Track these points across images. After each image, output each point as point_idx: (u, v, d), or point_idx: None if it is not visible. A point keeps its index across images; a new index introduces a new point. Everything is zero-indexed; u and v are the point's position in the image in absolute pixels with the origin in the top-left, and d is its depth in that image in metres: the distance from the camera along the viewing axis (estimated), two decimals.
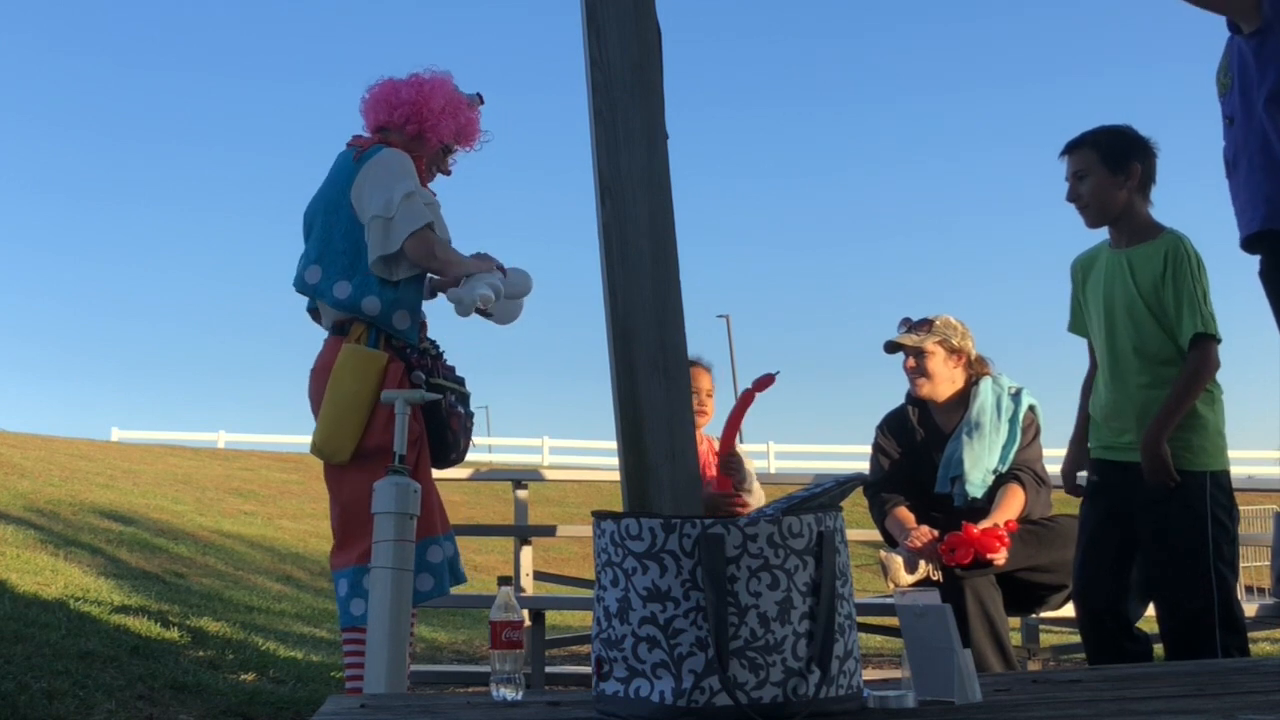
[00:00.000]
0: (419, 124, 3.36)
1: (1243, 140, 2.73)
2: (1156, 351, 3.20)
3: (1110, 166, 3.26)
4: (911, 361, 4.00)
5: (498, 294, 3.19)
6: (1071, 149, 3.33)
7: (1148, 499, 3.16)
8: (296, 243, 3.41)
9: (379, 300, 3.19)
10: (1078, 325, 3.51)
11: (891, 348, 4.05)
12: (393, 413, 3.09)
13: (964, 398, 3.98)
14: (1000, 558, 3.63)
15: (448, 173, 3.50)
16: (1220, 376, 3.21)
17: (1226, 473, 3.19)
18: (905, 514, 3.93)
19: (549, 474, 9.76)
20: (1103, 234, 3.41)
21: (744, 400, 4.02)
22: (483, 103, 3.52)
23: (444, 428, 3.19)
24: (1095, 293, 3.37)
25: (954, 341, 3.98)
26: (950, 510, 3.88)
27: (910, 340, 3.99)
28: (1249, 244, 2.74)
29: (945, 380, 3.98)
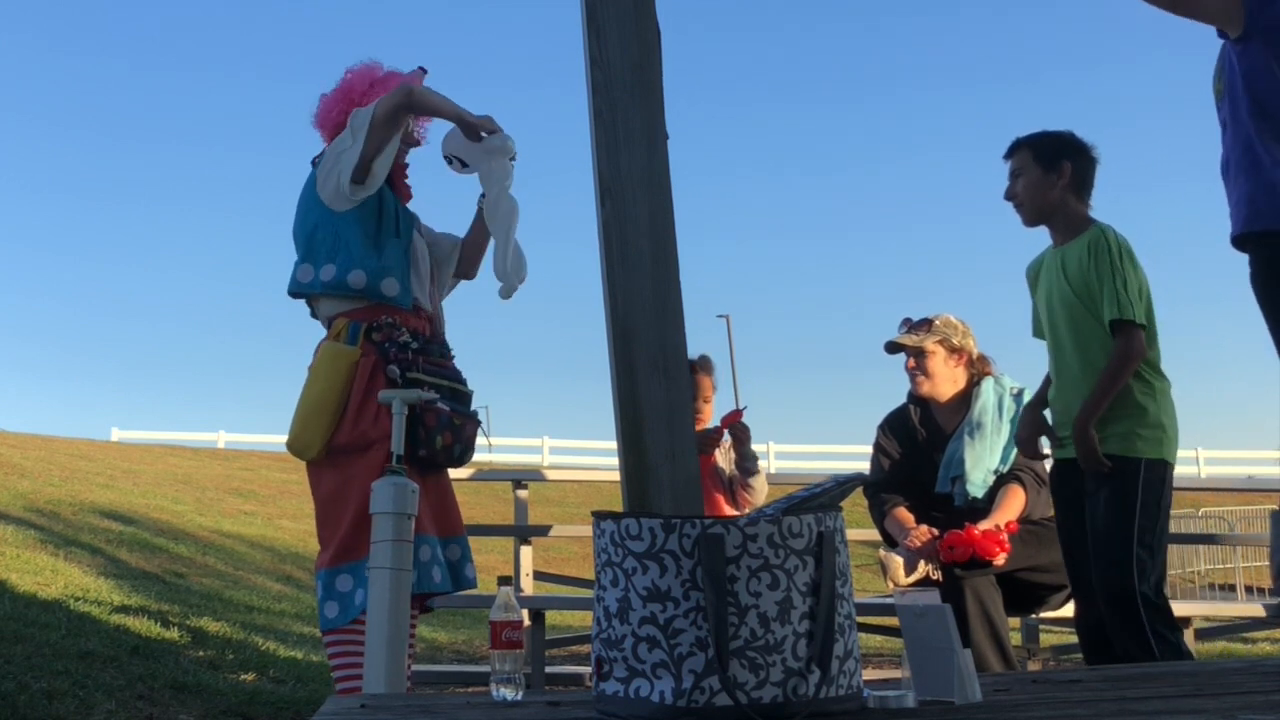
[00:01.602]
0: None
1: (1232, 144, 2.78)
2: (1098, 347, 3.21)
3: (1043, 165, 3.33)
4: (912, 361, 4.01)
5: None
6: (1010, 151, 3.41)
7: (1089, 486, 3.20)
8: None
9: (364, 271, 3.17)
10: (1038, 330, 3.55)
11: (892, 348, 4.06)
12: (361, 409, 3.09)
13: (966, 398, 3.99)
14: (999, 560, 3.64)
15: (416, 142, 3.47)
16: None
17: (1164, 462, 3.18)
18: (904, 514, 3.93)
19: (549, 474, 9.76)
20: (1046, 237, 3.45)
21: (715, 436, 4.16)
22: (425, 73, 3.45)
23: (417, 424, 3.11)
24: (1041, 294, 3.41)
25: (954, 341, 3.99)
26: (951, 510, 3.88)
27: (910, 340, 4.00)
28: (1236, 244, 2.79)
29: (946, 380, 3.99)
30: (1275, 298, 2.73)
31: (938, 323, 4.03)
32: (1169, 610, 3.14)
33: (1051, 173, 3.32)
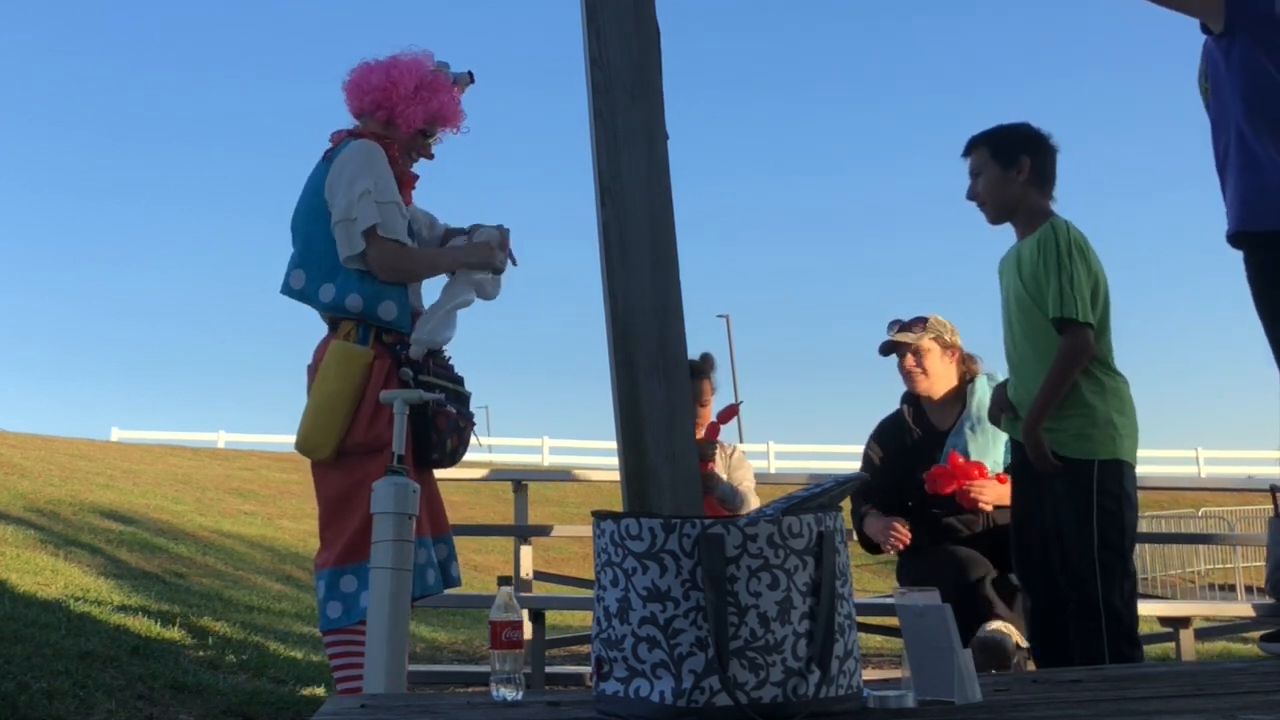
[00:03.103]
0: (388, 110, 3.31)
1: (1225, 142, 2.77)
2: (1050, 342, 3.16)
3: (1001, 162, 3.29)
4: (911, 359, 4.03)
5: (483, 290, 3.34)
6: (968, 150, 3.37)
7: (1048, 488, 3.18)
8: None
9: (360, 296, 3.17)
10: None
11: (888, 348, 4.09)
12: (376, 411, 3.07)
13: (959, 395, 4.04)
14: (986, 494, 3.73)
15: (429, 156, 3.43)
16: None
17: (1118, 461, 3.11)
18: (879, 516, 4.00)
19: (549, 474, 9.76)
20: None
21: (711, 433, 4.17)
22: (472, 81, 3.44)
23: (429, 427, 3.13)
24: (1002, 288, 3.39)
25: (946, 338, 4.06)
26: (949, 505, 3.90)
27: (909, 337, 4.03)
28: (1232, 242, 2.79)
29: (942, 376, 4.04)
30: (1270, 296, 2.73)
31: (930, 320, 4.07)
32: (1134, 624, 3.10)
33: (1010, 169, 3.27)
